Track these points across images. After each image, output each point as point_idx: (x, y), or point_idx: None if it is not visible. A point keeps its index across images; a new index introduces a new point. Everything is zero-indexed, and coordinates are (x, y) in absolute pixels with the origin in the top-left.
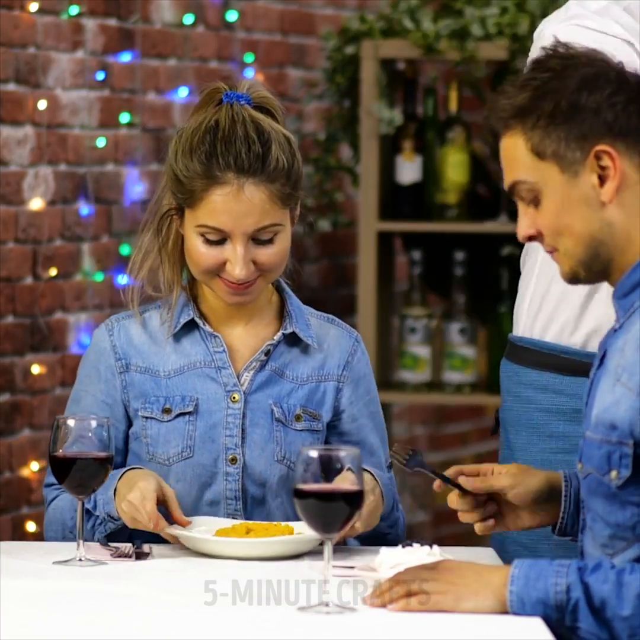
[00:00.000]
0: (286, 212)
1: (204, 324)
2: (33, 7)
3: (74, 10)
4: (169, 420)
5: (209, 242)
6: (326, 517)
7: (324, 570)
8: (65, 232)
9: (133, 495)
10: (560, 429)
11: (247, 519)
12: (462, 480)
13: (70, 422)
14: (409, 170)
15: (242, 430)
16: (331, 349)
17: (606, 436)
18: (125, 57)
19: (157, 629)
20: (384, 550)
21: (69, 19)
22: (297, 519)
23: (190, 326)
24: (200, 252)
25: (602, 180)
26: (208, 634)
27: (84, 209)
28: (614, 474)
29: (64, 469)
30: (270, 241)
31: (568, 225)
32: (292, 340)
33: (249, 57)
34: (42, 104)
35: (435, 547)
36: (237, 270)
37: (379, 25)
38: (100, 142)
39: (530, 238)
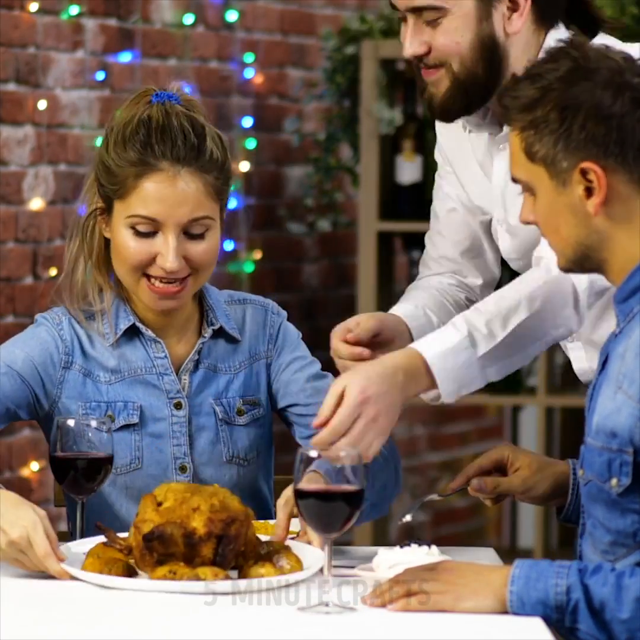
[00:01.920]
0: (217, 208)
1: (146, 329)
2: (33, 7)
3: (74, 10)
4: (115, 431)
5: (139, 234)
6: (326, 517)
7: (324, 570)
8: (65, 232)
9: (17, 535)
10: None
11: None
12: (474, 482)
13: (70, 422)
14: (409, 170)
15: (189, 436)
16: (252, 330)
17: (607, 444)
18: (125, 57)
19: (157, 629)
20: (383, 550)
21: (69, 19)
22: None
23: (130, 333)
24: (129, 246)
25: (589, 192)
26: (208, 634)
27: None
28: (614, 481)
29: (63, 469)
30: (201, 237)
31: (556, 228)
32: (217, 332)
33: (249, 57)
34: (42, 104)
35: (433, 547)
36: (169, 261)
37: (379, 25)
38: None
39: (529, 222)
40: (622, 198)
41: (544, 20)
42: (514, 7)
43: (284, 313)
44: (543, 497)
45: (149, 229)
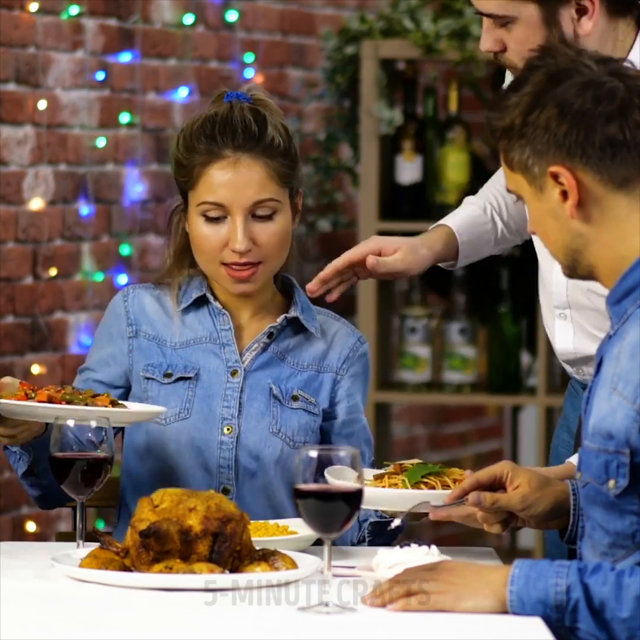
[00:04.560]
0: (285, 193)
1: (214, 300)
2: (33, 7)
3: (74, 10)
4: (169, 383)
5: (209, 220)
6: (326, 517)
7: (324, 570)
8: (65, 232)
9: None
10: (565, 411)
11: (238, 489)
12: (473, 496)
13: (70, 422)
14: (409, 170)
15: (240, 403)
16: (334, 342)
17: (603, 445)
18: (125, 57)
19: (157, 629)
20: (382, 550)
21: (69, 19)
22: (288, 497)
23: (200, 303)
24: (202, 234)
25: (565, 195)
26: (208, 634)
27: (84, 209)
28: (611, 483)
29: (63, 469)
30: (269, 218)
31: (545, 234)
32: (297, 327)
33: (249, 57)
34: (42, 104)
35: (433, 547)
36: (238, 242)
37: (379, 25)
38: (100, 142)
39: (533, 233)
40: (597, 199)
41: (617, 12)
42: (582, 10)
43: (367, 345)
44: (543, 516)
45: (218, 214)
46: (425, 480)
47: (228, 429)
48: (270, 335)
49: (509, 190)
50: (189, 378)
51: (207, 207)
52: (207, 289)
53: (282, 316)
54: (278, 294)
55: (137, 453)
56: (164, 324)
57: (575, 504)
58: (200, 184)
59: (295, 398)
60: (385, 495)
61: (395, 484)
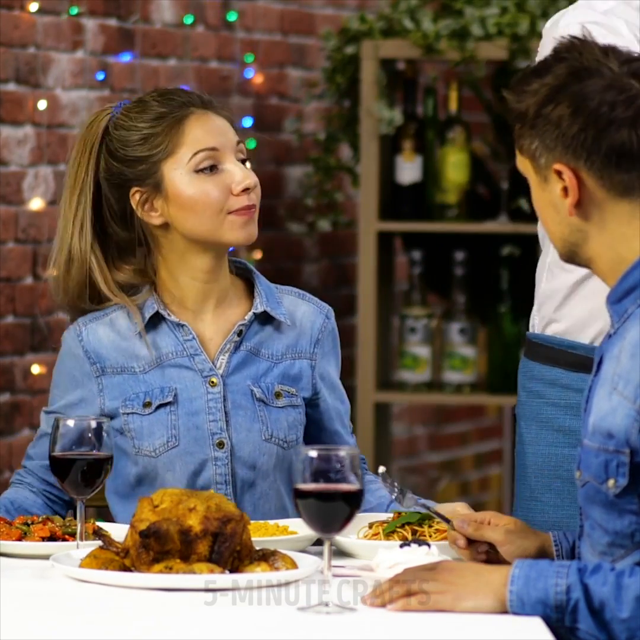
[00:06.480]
0: None
1: (169, 314)
2: (33, 7)
3: (74, 10)
4: (150, 413)
5: (206, 172)
6: (326, 517)
7: (324, 570)
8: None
9: None
10: (567, 423)
11: (237, 502)
12: (457, 523)
13: (70, 422)
14: (409, 170)
15: (225, 413)
16: (303, 325)
17: (603, 445)
18: (125, 57)
19: (157, 629)
20: (382, 550)
21: (69, 19)
22: (290, 499)
23: (156, 320)
24: (205, 189)
25: (566, 191)
26: (208, 634)
27: None
28: (611, 482)
29: (64, 469)
30: (247, 161)
31: (545, 221)
32: (265, 318)
33: (249, 57)
34: (42, 104)
35: (433, 547)
36: (243, 179)
37: (379, 25)
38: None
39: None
40: (597, 202)
41: None
42: None
43: (333, 316)
44: (524, 557)
45: (211, 163)
46: (398, 530)
47: (220, 444)
48: (239, 332)
49: (517, 169)
50: (169, 403)
51: (201, 156)
52: (158, 304)
53: (251, 313)
54: (236, 279)
55: (127, 482)
56: (123, 350)
57: (559, 554)
58: (186, 138)
59: (278, 395)
60: (356, 546)
61: (377, 533)
